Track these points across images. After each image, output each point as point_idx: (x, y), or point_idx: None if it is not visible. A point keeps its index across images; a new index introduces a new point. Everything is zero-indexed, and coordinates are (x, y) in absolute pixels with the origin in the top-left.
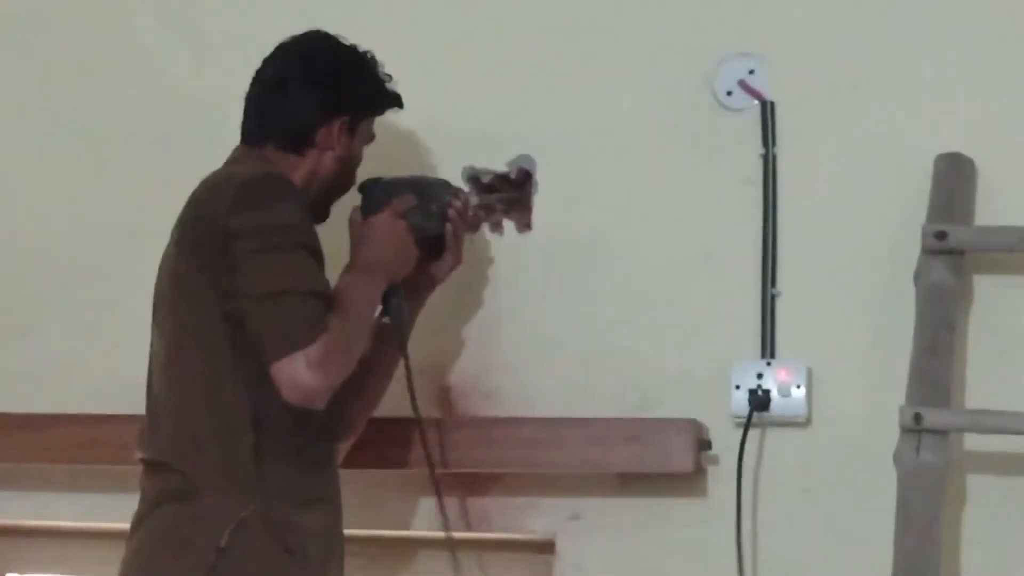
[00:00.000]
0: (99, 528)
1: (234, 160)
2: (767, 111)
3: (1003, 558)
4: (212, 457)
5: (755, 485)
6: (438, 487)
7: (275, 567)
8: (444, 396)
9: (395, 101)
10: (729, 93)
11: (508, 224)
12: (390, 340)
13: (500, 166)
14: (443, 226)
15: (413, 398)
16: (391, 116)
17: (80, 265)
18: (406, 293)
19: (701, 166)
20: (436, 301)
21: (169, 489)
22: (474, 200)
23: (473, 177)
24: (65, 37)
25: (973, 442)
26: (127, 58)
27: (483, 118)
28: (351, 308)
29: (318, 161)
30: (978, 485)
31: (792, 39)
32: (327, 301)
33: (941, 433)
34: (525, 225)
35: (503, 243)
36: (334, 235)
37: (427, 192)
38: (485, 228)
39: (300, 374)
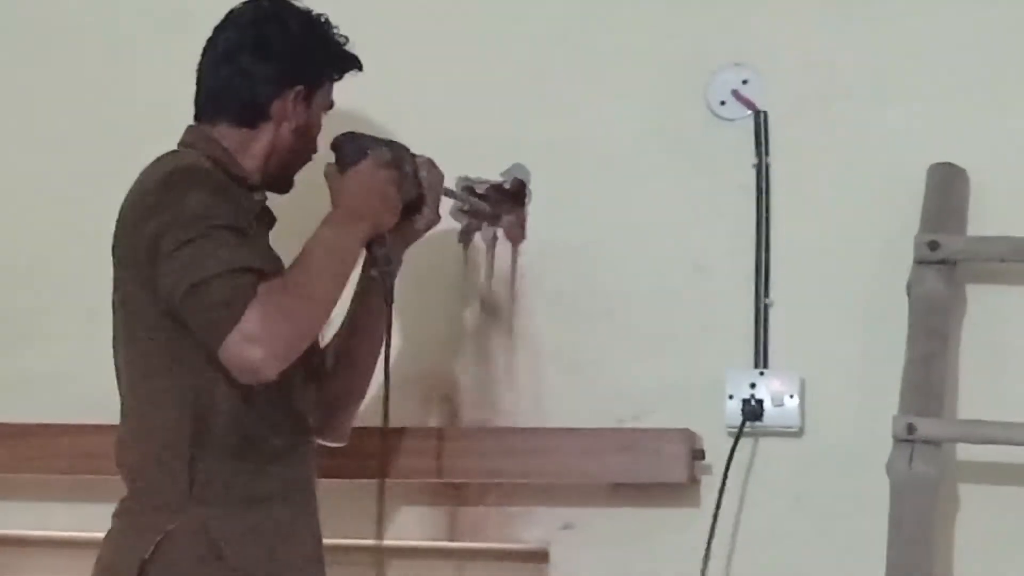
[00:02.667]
0: (95, 538)
1: (175, 146)
2: (760, 121)
3: (996, 568)
4: (151, 470)
5: (748, 495)
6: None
7: (199, 572)
8: (439, 406)
9: (352, 63)
10: (723, 103)
11: (502, 234)
12: (374, 294)
13: (495, 176)
14: (419, 187)
15: (388, 354)
16: (387, 125)
17: (77, 274)
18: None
19: (695, 176)
20: (430, 311)
21: (120, 508)
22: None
23: (468, 187)
24: (58, 45)
25: (966, 452)
26: (123, 68)
27: (477, 128)
28: (312, 262)
29: (275, 134)
30: (971, 495)
31: (785, 49)
32: (255, 272)
33: (934, 443)
34: (519, 235)
35: (497, 253)
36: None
37: (398, 153)
38: (479, 238)
39: (242, 352)
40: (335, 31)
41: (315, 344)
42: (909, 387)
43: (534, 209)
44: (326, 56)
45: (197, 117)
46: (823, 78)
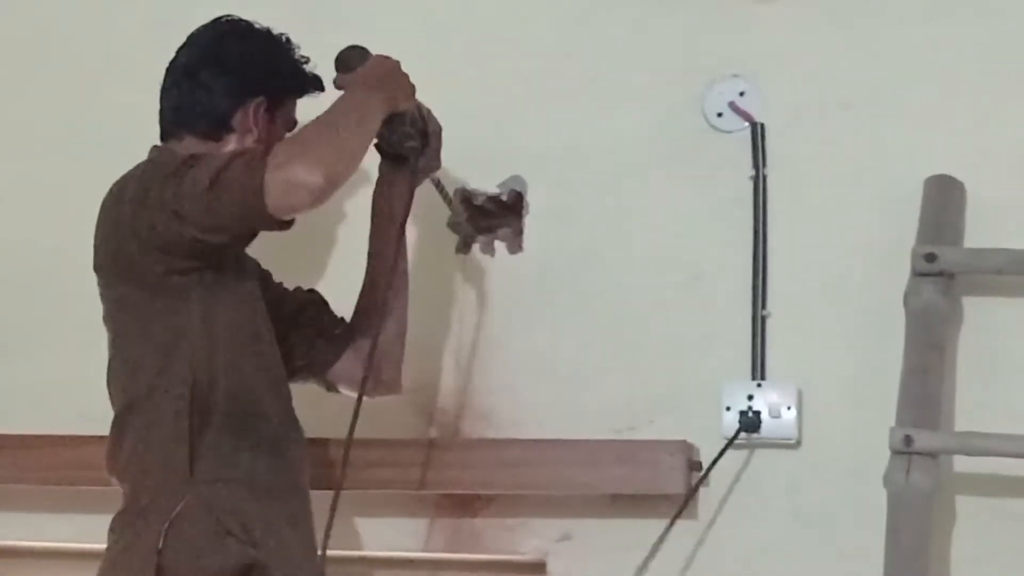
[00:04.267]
0: (88, 549)
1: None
2: (758, 133)
3: None
4: (151, 456)
5: (745, 507)
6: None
7: (215, 548)
8: (436, 417)
9: (313, 83)
10: (720, 115)
11: (499, 245)
12: (390, 201)
13: (492, 187)
14: (421, 140)
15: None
16: None
17: (72, 285)
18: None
19: (692, 187)
20: (428, 321)
21: (121, 511)
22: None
23: (466, 199)
24: (55, 58)
25: (962, 464)
26: (120, 82)
27: (474, 140)
28: (332, 110)
29: (239, 146)
30: (967, 507)
31: (783, 61)
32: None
33: (931, 455)
34: (517, 246)
35: (494, 264)
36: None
37: None
38: (476, 249)
39: (283, 178)
40: (296, 49)
41: (331, 312)
42: (906, 399)
43: (531, 220)
44: (286, 71)
45: (163, 137)
46: (820, 90)
